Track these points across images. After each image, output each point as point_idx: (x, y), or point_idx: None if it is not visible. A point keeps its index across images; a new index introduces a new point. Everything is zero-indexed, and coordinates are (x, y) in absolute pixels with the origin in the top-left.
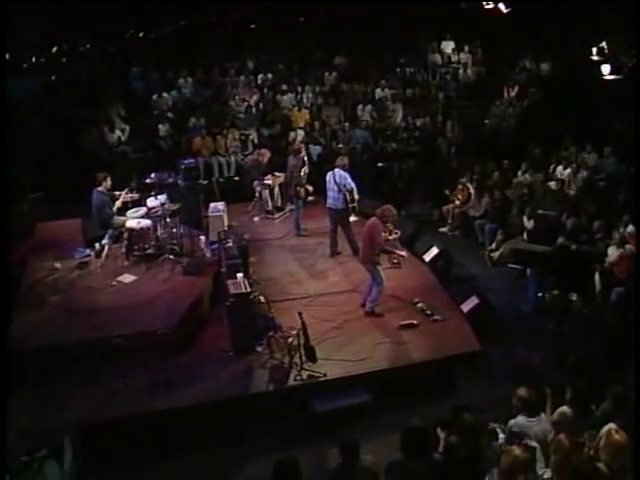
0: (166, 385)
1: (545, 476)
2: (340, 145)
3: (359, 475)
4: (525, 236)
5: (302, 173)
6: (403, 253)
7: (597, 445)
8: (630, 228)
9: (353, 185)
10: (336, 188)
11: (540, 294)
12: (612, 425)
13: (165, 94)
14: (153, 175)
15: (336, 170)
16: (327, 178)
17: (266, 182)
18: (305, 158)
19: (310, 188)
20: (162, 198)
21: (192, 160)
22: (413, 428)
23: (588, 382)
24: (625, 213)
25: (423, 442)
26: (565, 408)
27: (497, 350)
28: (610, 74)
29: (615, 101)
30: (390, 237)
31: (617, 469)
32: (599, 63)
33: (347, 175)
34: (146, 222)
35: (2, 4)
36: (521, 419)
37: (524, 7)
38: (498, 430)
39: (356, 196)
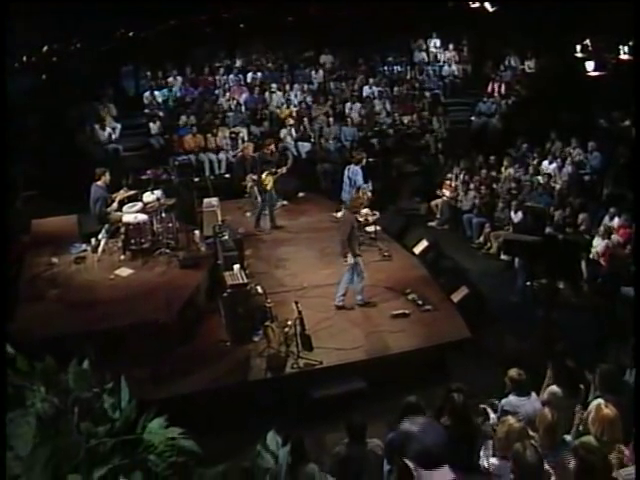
0: (166, 374)
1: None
2: (330, 142)
3: (365, 456)
4: (511, 229)
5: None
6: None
7: (586, 419)
8: (616, 220)
9: (361, 182)
10: (348, 182)
11: (528, 283)
12: (601, 400)
13: (156, 92)
14: (149, 172)
15: (351, 165)
16: (344, 172)
17: (256, 179)
18: (289, 153)
19: (281, 170)
20: (158, 193)
21: (185, 157)
22: (410, 404)
23: (576, 363)
24: (610, 205)
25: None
26: (555, 387)
27: (487, 338)
28: (594, 71)
29: (600, 97)
30: (370, 219)
31: (607, 442)
32: (583, 60)
33: (359, 171)
34: (142, 217)
35: (2, 4)
36: (513, 398)
37: (510, 6)
38: (489, 410)
39: (369, 193)
